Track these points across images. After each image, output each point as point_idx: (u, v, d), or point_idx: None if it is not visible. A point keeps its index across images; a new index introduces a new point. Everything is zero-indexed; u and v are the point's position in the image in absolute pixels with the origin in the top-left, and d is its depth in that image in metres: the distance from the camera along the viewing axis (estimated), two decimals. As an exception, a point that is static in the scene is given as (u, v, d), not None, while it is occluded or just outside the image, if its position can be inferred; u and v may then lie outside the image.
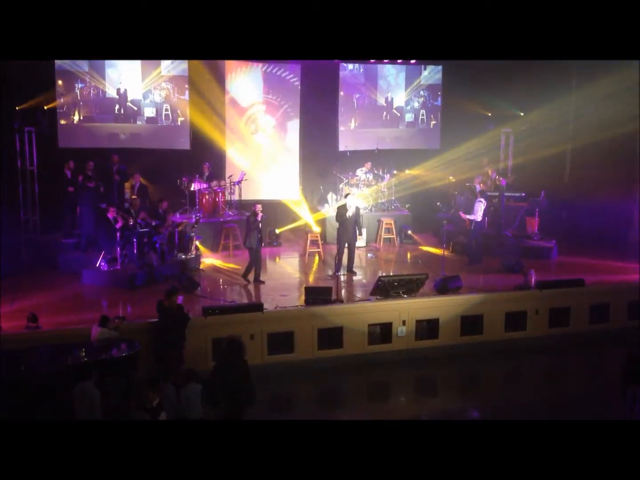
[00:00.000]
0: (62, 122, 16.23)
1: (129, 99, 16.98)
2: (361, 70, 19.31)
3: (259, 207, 13.24)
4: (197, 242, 14.76)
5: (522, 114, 18.28)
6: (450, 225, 15.87)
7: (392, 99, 19.70)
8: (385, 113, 19.70)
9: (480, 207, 14.89)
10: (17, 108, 14.62)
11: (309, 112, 18.60)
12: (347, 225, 13.77)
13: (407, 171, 18.40)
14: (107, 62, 16.59)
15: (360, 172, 17.87)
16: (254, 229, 13.07)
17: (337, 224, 14.08)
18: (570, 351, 12.47)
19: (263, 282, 13.23)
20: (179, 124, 17.54)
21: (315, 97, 18.52)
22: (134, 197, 14.99)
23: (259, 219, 13.05)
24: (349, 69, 19.17)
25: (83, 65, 16.31)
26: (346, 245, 13.87)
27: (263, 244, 13.97)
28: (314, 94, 18.52)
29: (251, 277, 13.27)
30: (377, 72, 19.52)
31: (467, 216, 15.12)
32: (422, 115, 20.09)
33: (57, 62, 15.91)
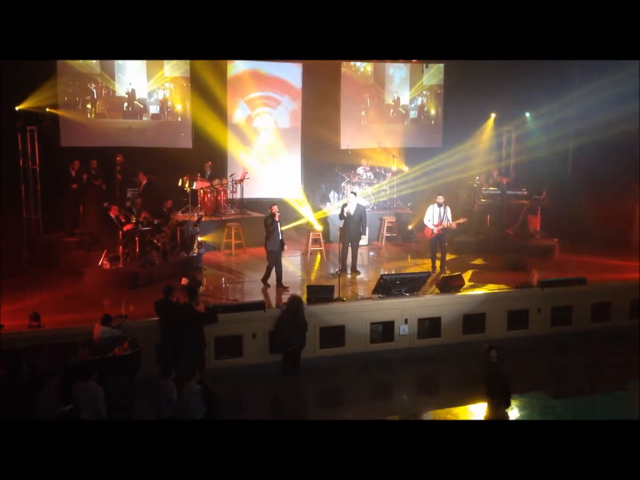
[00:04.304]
0: (69, 119, 16.19)
1: (136, 97, 17.04)
2: (364, 69, 19.29)
3: (274, 208, 12.66)
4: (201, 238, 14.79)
5: (526, 114, 18.22)
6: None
7: (397, 97, 19.68)
8: (389, 111, 19.68)
9: (429, 212, 13.96)
10: (17, 108, 14.60)
11: (311, 110, 18.59)
12: (349, 224, 13.74)
13: (408, 169, 18.36)
14: (117, 64, 16.65)
15: (362, 171, 17.86)
16: (272, 231, 12.56)
17: (339, 223, 14.04)
18: (572, 349, 12.45)
19: (287, 288, 12.68)
20: (181, 123, 17.55)
21: (317, 95, 18.51)
22: (136, 195, 15.01)
23: (277, 220, 12.56)
24: (352, 68, 19.15)
25: (95, 67, 16.41)
26: (349, 244, 13.86)
27: (285, 247, 13.30)
28: (315, 92, 18.51)
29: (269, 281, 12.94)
30: (379, 71, 19.50)
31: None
32: (424, 113, 20.08)
33: (69, 63, 15.98)
